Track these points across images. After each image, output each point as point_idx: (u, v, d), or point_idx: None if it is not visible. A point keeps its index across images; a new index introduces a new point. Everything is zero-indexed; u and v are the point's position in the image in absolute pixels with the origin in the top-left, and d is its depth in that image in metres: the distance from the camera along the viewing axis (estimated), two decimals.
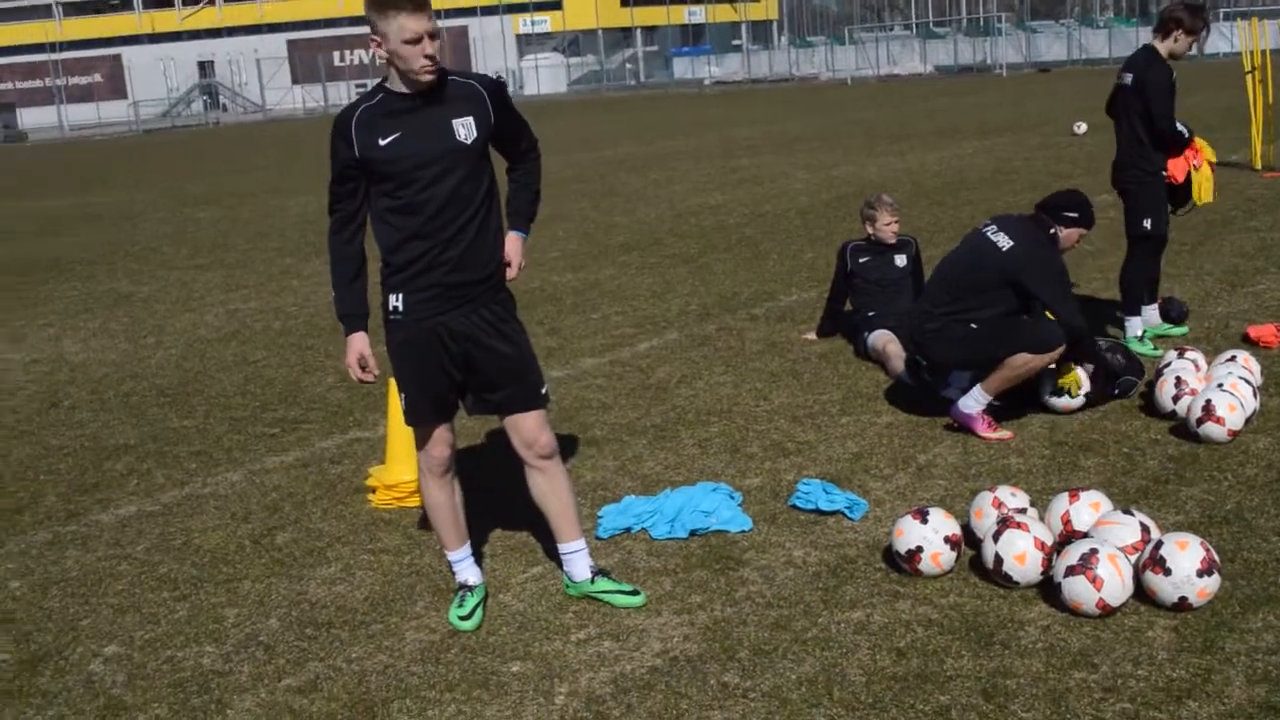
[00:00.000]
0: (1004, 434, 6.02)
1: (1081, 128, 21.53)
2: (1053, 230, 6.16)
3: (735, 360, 7.92)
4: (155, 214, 21.54)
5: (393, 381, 5.81)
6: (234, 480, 6.29)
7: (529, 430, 4.48)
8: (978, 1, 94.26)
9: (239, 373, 8.67)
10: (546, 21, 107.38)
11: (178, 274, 13.80)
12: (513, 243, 4.55)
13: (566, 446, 6.38)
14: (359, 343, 4.33)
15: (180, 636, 4.55)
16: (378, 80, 4.35)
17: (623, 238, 13.82)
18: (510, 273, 4.49)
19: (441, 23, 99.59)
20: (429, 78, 4.13)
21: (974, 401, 6.07)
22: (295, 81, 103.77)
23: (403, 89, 4.18)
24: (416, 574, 4.94)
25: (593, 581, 4.58)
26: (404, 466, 5.75)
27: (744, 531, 5.08)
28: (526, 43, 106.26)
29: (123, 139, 67.67)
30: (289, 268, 13.48)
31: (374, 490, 5.80)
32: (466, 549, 4.64)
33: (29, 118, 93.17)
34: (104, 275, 14.20)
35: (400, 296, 4.28)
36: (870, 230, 8.01)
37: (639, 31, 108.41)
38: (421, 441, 4.49)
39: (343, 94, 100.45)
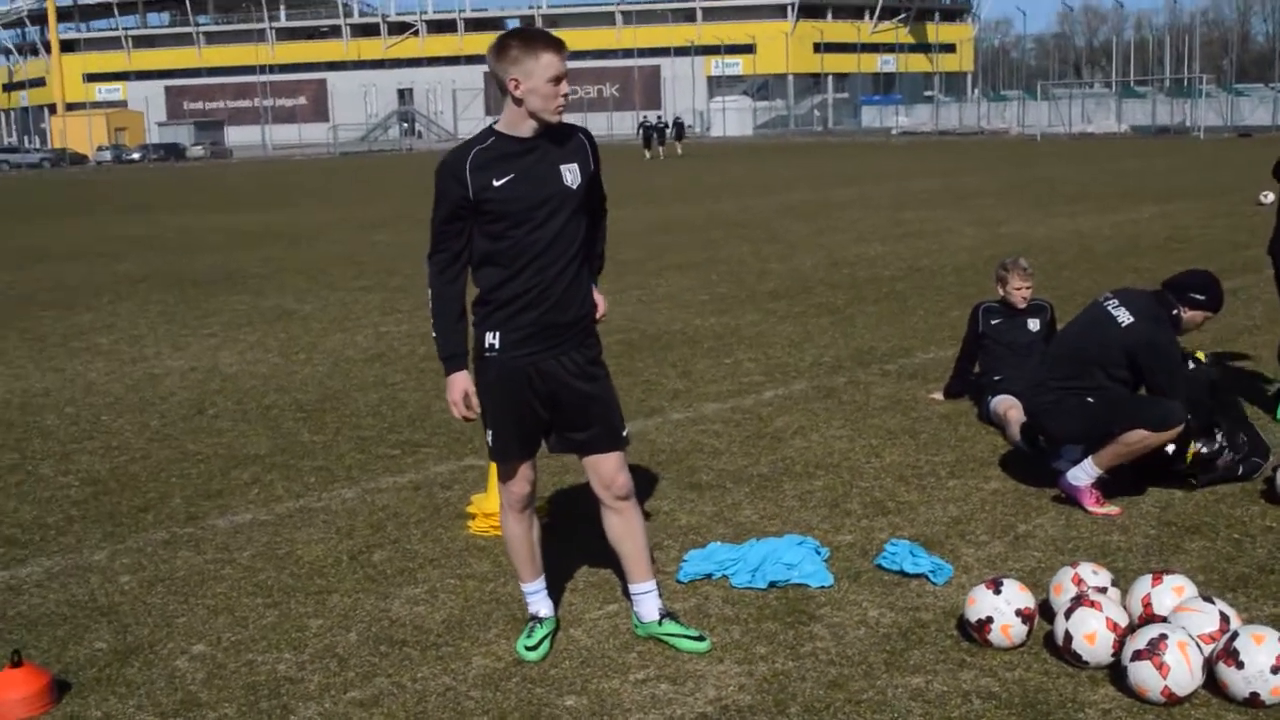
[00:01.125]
0: (1111, 509, 5.86)
1: (1269, 197, 20.75)
2: (1175, 311, 5.98)
3: (856, 415, 7.87)
4: (334, 234, 22.41)
5: None
6: (347, 497, 6.52)
7: (608, 471, 4.57)
8: (1182, 62, 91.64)
9: (375, 393, 8.97)
10: (738, 64, 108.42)
11: (341, 294, 14.32)
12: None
13: (667, 490, 6.45)
14: (463, 381, 4.43)
15: (264, 642, 4.74)
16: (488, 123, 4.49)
17: (773, 285, 13.84)
18: (600, 312, 4.61)
19: (634, 62, 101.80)
20: (560, 116, 4.31)
21: (1084, 474, 5.92)
22: (488, 112, 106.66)
23: (515, 134, 4.31)
24: (496, 601, 5.05)
25: (660, 623, 4.63)
26: None
27: (824, 587, 5.05)
28: (717, 85, 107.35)
29: (320, 160, 70.48)
30: None
31: (473, 517, 5.95)
32: (540, 582, 4.73)
33: (235, 135, 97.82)
34: (273, 291, 14.82)
35: (497, 335, 4.38)
36: (1001, 292, 7.90)
37: (830, 78, 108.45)
38: (505, 477, 4.60)
39: None
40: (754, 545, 5.34)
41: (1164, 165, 35.17)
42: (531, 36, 4.31)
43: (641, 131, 58.25)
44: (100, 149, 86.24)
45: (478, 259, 4.39)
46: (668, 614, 4.65)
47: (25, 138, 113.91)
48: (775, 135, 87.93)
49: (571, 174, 4.38)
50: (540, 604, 4.71)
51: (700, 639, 4.56)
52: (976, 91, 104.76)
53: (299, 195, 36.18)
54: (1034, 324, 7.85)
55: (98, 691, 4.39)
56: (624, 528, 4.64)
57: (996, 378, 7.68)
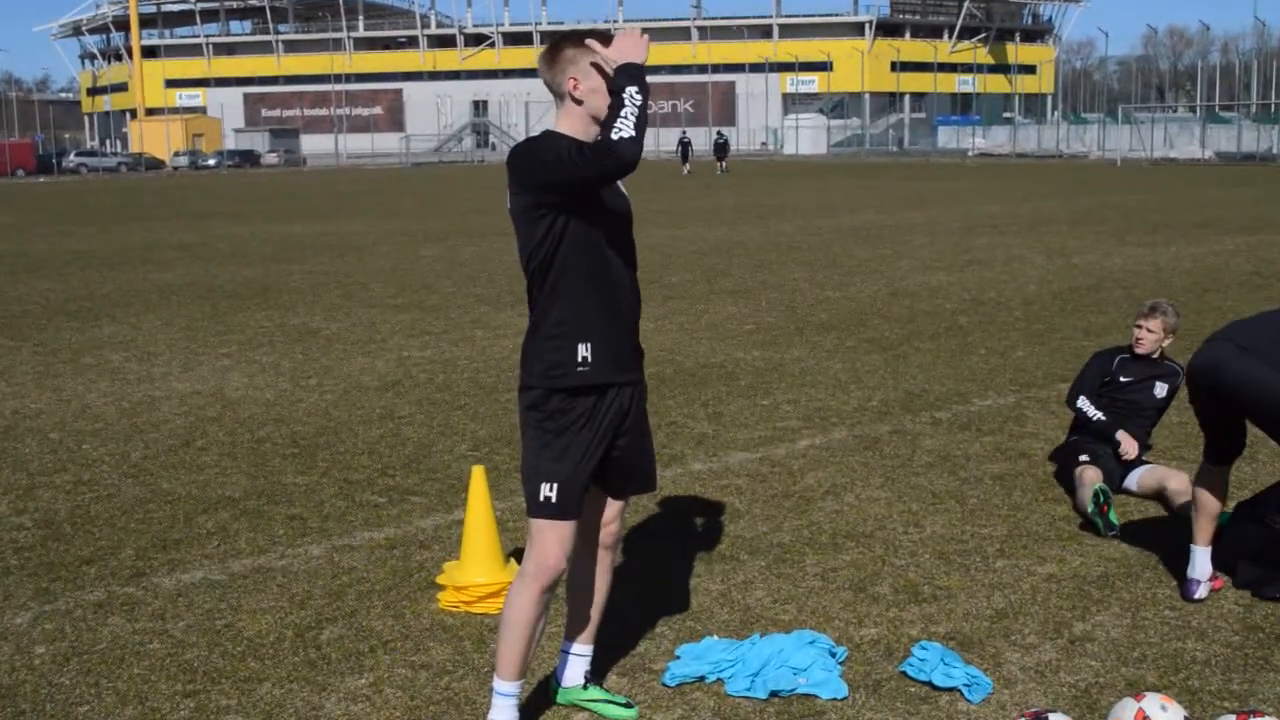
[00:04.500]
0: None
1: None
2: None
3: (897, 473, 7.04)
4: (384, 247, 21.88)
5: (478, 468, 5.27)
6: (313, 555, 5.81)
7: (613, 512, 4.15)
8: (1270, 87, 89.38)
9: (378, 428, 8.28)
10: (814, 82, 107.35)
11: (373, 313, 13.68)
12: None
13: (672, 560, 5.67)
14: None
15: None
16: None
17: (826, 315, 13.01)
18: None
19: (709, 78, 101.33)
20: None
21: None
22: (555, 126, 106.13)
23: (579, 138, 3.81)
24: (448, 701, 4.30)
25: (585, 688, 4.17)
26: (479, 566, 5.15)
27: (835, 699, 4.25)
28: (792, 102, 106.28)
29: (390, 171, 70.49)
30: (481, 317, 13.19)
31: (444, 589, 5.21)
32: (519, 685, 3.94)
33: (311, 144, 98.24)
34: (304, 307, 14.23)
35: (590, 346, 3.81)
36: (1138, 336, 6.82)
37: (906, 98, 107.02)
38: (550, 541, 3.85)
39: None
40: (756, 643, 4.55)
41: (1249, 195, 33.77)
42: (585, 35, 3.84)
43: (680, 148, 59.52)
44: (177, 154, 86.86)
45: (564, 276, 3.81)
46: (592, 680, 4.20)
47: (107, 142, 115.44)
48: (849, 154, 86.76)
49: (623, 185, 3.98)
50: (508, 714, 3.92)
51: (628, 706, 4.10)
52: (1056, 114, 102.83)
53: (361, 205, 35.83)
54: (1161, 389, 6.86)
55: None
56: (599, 571, 4.19)
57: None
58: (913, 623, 4.92)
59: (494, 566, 5.15)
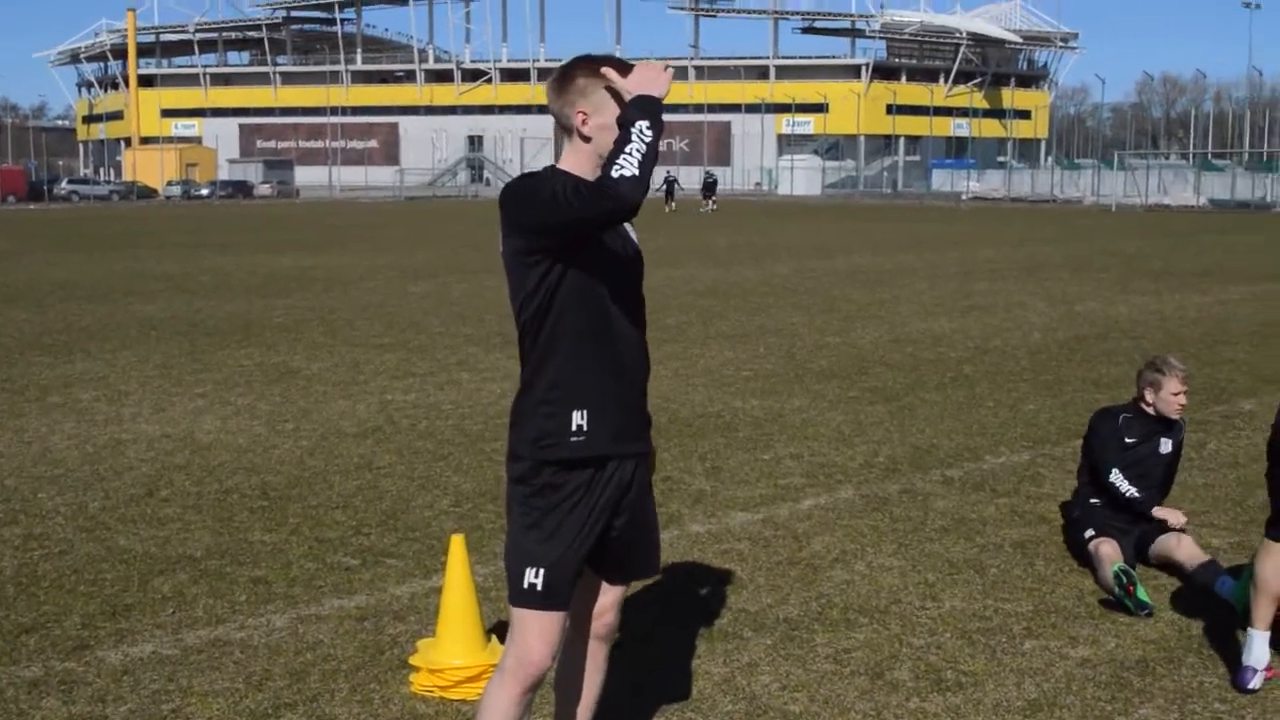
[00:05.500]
0: None
1: None
2: None
3: (910, 538, 6.56)
4: (373, 282, 21.42)
5: (457, 538, 4.81)
6: (276, 626, 5.31)
7: (611, 599, 3.66)
8: (1263, 135, 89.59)
9: (355, 479, 7.78)
10: (809, 123, 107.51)
11: (356, 352, 13.20)
12: None
13: (669, 637, 5.18)
14: None
15: None
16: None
17: (826, 362, 12.55)
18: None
19: (704, 117, 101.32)
20: None
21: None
22: (557, 161, 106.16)
23: (583, 175, 3.36)
24: None
25: None
26: (456, 646, 4.66)
27: None
28: (787, 143, 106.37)
29: (384, 204, 70.13)
30: (469, 358, 12.71)
31: (417, 670, 4.72)
32: None
33: (305, 175, 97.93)
34: (285, 345, 13.73)
35: (585, 414, 3.35)
36: (1150, 399, 6.25)
37: (901, 140, 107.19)
38: (533, 634, 3.40)
39: None
40: None
41: (1247, 243, 33.48)
42: (601, 63, 3.39)
43: (665, 186, 60.21)
44: (170, 184, 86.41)
45: (559, 331, 3.37)
46: None
47: (100, 170, 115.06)
48: (843, 196, 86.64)
49: (634, 231, 3.56)
50: None
51: None
52: (1050, 159, 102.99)
53: (351, 238, 35.37)
54: (1166, 446, 6.30)
55: None
56: (590, 667, 3.69)
57: (1094, 500, 6.31)
58: (938, 715, 4.43)
59: (473, 647, 4.67)
